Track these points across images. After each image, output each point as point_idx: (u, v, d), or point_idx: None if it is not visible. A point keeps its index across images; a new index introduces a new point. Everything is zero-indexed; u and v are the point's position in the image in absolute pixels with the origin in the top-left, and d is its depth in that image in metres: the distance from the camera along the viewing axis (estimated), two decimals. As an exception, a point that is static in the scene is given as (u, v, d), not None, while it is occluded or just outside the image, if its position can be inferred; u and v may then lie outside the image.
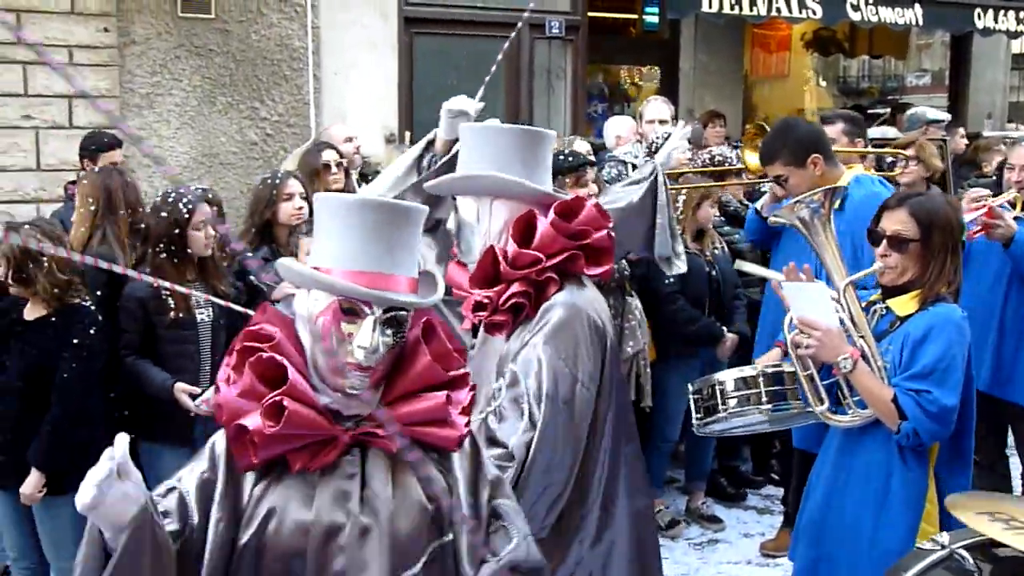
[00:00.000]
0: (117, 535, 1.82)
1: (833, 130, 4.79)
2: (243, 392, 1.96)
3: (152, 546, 1.84)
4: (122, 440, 1.81)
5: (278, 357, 1.97)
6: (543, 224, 2.72)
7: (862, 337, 3.22)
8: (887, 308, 3.28)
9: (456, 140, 3.20)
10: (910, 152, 5.61)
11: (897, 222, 3.19)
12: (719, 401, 3.62)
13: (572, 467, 2.71)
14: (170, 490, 2.02)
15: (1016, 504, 2.69)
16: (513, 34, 4.07)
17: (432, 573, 2.04)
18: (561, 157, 4.73)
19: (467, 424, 2.09)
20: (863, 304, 3.37)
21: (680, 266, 3.93)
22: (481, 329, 2.82)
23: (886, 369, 3.16)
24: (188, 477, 2.03)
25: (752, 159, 5.11)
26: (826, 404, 3.29)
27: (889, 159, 5.40)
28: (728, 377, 3.63)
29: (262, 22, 7.87)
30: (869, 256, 3.81)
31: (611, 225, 2.85)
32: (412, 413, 2.02)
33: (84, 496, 1.76)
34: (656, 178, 3.74)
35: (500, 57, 3.79)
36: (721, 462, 6.26)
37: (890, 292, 3.27)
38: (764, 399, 3.52)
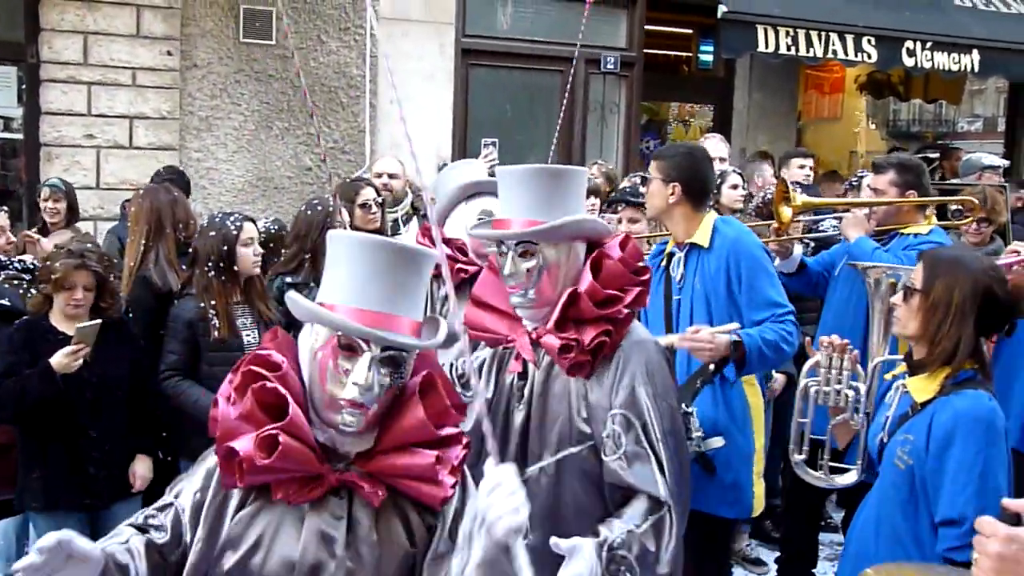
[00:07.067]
0: None
1: (881, 180, 4.70)
2: (242, 415, 1.97)
3: None
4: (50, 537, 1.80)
5: (281, 390, 1.97)
6: (610, 262, 2.70)
7: (867, 413, 3.31)
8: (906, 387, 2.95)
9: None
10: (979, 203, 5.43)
11: (915, 271, 2.94)
12: None
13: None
14: (167, 506, 2.10)
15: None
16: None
17: None
18: (628, 188, 4.77)
19: (453, 485, 2.06)
20: (889, 375, 3.15)
21: None
22: (540, 370, 2.77)
23: (905, 462, 2.77)
24: (185, 494, 2.09)
25: (786, 212, 4.98)
26: (803, 456, 3.57)
27: (953, 207, 5.32)
28: None
29: (321, 49, 7.99)
30: (746, 294, 3.77)
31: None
32: (398, 467, 2.02)
33: None
34: None
35: (563, 92, 3.86)
36: (767, 504, 6.15)
37: (913, 369, 2.93)
38: None
